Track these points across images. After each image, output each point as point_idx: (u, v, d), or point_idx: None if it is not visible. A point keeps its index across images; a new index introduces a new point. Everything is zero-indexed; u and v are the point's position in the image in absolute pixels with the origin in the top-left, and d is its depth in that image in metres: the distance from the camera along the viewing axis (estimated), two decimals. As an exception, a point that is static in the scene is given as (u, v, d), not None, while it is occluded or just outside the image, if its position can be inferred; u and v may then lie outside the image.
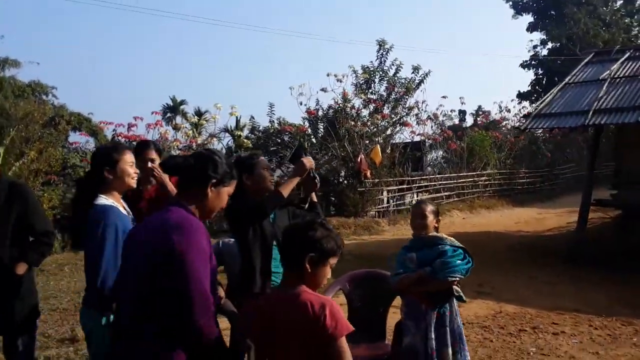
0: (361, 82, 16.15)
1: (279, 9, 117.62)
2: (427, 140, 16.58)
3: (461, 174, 17.25)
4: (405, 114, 16.30)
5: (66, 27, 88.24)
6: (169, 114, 26.92)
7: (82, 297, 2.93)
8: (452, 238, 3.30)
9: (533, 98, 32.52)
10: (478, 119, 23.10)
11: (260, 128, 14.73)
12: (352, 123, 15.11)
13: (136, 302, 2.03)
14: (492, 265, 8.94)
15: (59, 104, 19.48)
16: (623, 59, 10.44)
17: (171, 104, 30.01)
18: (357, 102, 15.68)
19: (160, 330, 1.96)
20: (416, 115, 16.62)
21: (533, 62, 32.76)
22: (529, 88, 33.09)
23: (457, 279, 3.15)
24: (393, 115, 16.06)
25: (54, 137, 11.15)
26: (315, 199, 3.54)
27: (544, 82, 32.75)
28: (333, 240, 2.14)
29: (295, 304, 2.02)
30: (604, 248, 8.83)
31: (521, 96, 33.00)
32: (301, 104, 15.61)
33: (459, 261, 3.15)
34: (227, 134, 22.78)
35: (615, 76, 9.89)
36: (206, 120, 15.73)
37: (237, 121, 26.05)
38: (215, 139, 21.37)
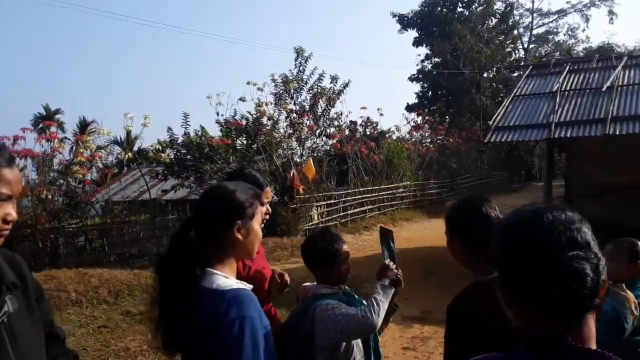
0: (281, 92, 15.15)
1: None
2: (350, 153, 15.98)
3: (382, 187, 16.92)
4: (327, 125, 15.60)
5: None
6: (40, 125, 23.37)
7: None
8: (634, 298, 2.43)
9: (420, 110, 33.86)
10: (367, 130, 23.24)
11: (179, 141, 13.04)
12: (276, 135, 14.12)
13: None
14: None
15: None
16: (565, 72, 10.63)
17: (44, 112, 26.24)
18: (277, 113, 14.72)
19: None
20: (338, 127, 16.01)
21: (419, 76, 34.04)
22: (416, 100, 34.33)
23: None
24: (316, 127, 15.27)
25: None
26: None
27: (429, 95, 34.24)
28: None
29: None
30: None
31: (409, 108, 34.13)
32: (218, 114, 14.30)
33: None
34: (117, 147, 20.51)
35: (564, 89, 10.01)
36: (106, 133, 13.61)
37: (128, 133, 23.59)
38: (103, 152, 19.02)
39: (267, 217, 2.63)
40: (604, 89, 9.36)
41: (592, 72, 10.42)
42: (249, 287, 1.74)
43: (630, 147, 8.81)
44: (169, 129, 13.10)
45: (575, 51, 38.27)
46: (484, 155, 26.16)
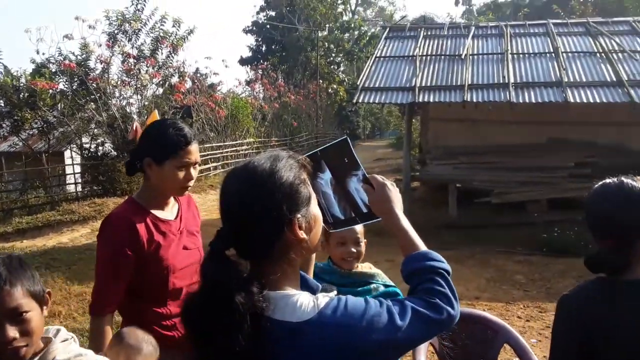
0: (116, 32, 13.31)
1: None
2: (195, 105, 14.82)
3: (227, 143, 16.16)
4: (170, 74, 14.23)
5: None
6: None
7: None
8: (380, 271, 2.26)
9: (254, 64, 33.16)
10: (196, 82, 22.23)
11: (-8, 82, 10.68)
12: (112, 82, 12.49)
13: None
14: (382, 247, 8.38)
15: None
16: (421, 37, 10.94)
17: None
18: (110, 56, 12.95)
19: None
20: (181, 76, 14.73)
21: (254, 28, 33.15)
22: (250, 54, 33.52)
23: None
24: (158, 76, 13.81)
25: None
26: None
27: (263, 49, 33.64)
28: None
29: None
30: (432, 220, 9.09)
31: (243, 62, 33.23)
32: (38, 52, 12.13)
33: None
34: None
35: (422, 54, 10.31)
36: None
37: None
38: None
39: (190, 184, 1.99)
40: (463, 57, 9.83)
41: (445, 39, 10.86)
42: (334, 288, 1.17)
43: (482, 112, 9.42)
44: (-23, 66, 10.66)
45: (395, 19, 40.57)
46: (320, 113, 26.67)
